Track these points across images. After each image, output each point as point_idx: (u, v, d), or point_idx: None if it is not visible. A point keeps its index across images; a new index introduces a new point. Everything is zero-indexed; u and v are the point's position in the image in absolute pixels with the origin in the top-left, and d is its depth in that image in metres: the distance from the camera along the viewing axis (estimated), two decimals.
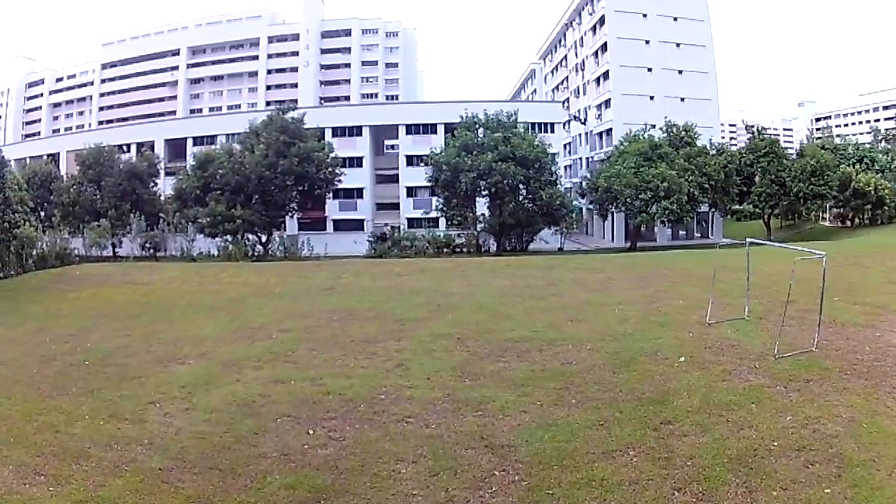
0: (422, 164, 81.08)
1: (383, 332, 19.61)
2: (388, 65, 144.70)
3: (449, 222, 73.18)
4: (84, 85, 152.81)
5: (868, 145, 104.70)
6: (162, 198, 76.61)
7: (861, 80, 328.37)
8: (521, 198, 67.41)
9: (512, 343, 17.68)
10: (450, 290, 27.66)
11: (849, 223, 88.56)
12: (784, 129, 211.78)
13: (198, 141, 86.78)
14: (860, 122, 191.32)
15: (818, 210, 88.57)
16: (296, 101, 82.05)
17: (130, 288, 32.34)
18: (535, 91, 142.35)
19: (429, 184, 74.71)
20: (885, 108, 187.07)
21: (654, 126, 77.34)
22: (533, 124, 78.74)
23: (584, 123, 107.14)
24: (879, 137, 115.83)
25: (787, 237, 79.96)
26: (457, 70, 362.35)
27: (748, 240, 19.98)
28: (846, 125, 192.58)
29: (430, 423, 12.64)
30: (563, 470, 10.44)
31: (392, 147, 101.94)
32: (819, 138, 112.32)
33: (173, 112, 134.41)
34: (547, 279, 30.14)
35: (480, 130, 68.78)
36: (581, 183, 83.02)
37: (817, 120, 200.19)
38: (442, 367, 15.86)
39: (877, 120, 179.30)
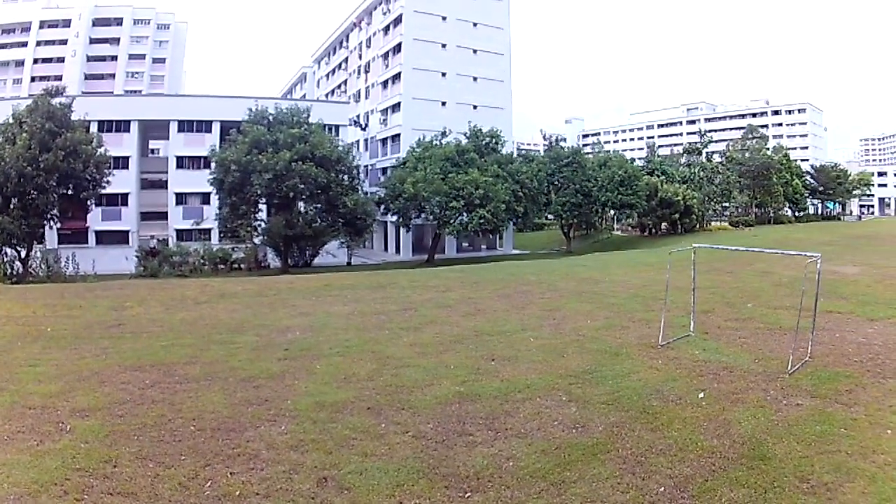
0: (195, 168, 73.94)
1: (239, 406, 12.58)
2: (154, 60, 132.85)
3: (228, 234, 65.21)
4: None
5: (659, 159, 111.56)
6: None
7: (620, 101, 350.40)
8: (316, 204, 61.13)
9: (455, 405, 12.36)
10: (280, 323, 21.05)
11: (648, 232, 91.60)
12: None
13: None
14: (632, 139, 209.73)
15: (626, 219, 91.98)
16: (65, 86, 69.75)
17: None
18: (304, 95, 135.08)
19: (202, 190, 68.82)
20: (661, 125, 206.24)
21: (444, 133, 74.19)
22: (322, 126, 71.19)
23: (364, 129, 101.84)
24: (685, 150, 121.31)
25: (586, 247, 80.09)
26: (221, 71, 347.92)
27: (694, 245, 18.08)
28: (616, 142, 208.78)
29: None
30: None
31: (153, 151, 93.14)
32: (589, 153, 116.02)
33: None
34: (396, 302, 24.94)
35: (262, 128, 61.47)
36: (375, 191, 77.48)
37: (584, 136, 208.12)
38: (402, 471, 9.74)
39: (650, 137, 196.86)
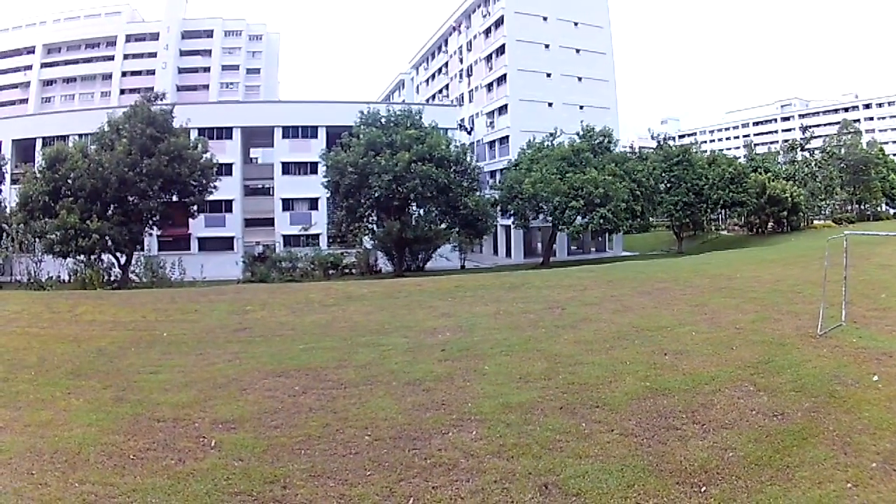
0: (301, 173, 74.15)
1: (414, 412, 11.42)
2: (249, 70, 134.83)
3: (338, 239, 65.28)
4: None
5: (761, 156, 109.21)
6: (7, 210, 60.54)
7: (719, 100, 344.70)
8: (437, 206, 60.11)
9: (649, 400, 11.84)
10: (425, 324, 19.81)
11: (755, 231, 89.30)
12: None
13: (49, 142, 70.09)
14: (727, 138, 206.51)
15: (737, 217, 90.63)
16: (165, 92, 69.63)
17: None
18: (403, 101, 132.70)
19: (309, 195, 69.92)
20: (755, 123, 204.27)
21: (555, 133, 72.52)
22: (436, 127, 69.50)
23: (469, 133, 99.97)
24: (788, 147, 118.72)
25: (696, 247, 77.71)
26: (315, 81, 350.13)
27: (845, 233, 18.55)
28: (712, 141, 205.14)
29: None
30: None
31: (252, 158, 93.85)
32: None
33: None
34: (538, 301, 23.71)
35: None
36: (487, 193, 75.81)
37: (681, 136, 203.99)
38: (626, 471, 9.15)
39: (746, 135, 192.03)
